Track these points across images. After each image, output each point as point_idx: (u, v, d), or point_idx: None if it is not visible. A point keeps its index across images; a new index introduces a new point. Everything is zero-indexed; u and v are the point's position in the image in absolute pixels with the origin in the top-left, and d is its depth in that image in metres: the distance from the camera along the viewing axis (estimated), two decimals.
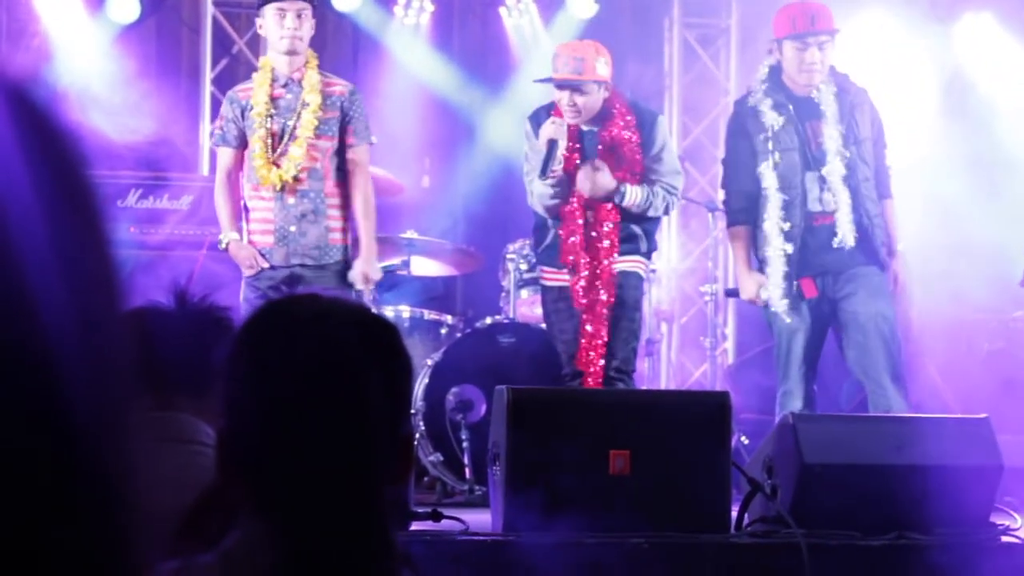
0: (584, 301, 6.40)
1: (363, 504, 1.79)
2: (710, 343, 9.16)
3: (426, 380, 7.04)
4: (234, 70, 9.80)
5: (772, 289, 6.59)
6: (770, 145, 6.60)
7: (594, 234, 6.43)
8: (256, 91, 6.55)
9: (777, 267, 6.58)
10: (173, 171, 8.56)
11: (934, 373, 8.42)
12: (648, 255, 6.65)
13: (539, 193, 6.46)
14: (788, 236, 6.57)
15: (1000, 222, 8.20)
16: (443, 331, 7.67)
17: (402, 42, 9.83)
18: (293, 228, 6.46)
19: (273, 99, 6.52)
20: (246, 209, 6.60)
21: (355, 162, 6.59)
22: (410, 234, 7.85)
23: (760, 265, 6.67)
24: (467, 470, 6.77)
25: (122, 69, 9.07)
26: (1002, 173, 8.77)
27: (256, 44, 9.68)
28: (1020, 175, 8.65)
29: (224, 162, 6.63)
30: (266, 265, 6.48)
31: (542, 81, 6.61)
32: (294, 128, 6.47)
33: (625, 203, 6.43)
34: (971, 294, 8.27)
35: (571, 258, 6.42)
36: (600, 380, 6.38)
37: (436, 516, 5.08)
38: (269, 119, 6.49)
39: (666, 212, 6.67)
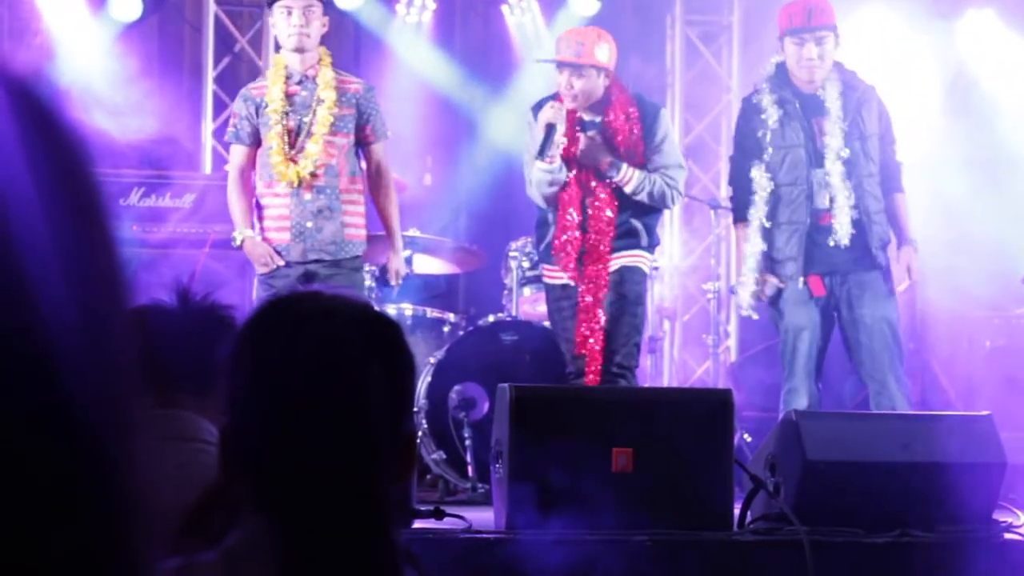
0: (585, 299, 6.40)
1: (366, 502, 1.79)
2: (712, 341, 9.15)
3: (428, 378, 7.04)
4: (236, 68, 9.80)
5: (768, 287, 6.61)
6: (768, 137, 6.62)
7: (591, 231, 6.40)
8: (271, 88, 6.55)
9: (750, 264, 6.63)
10: (175, 169, 8.57)
11: (937, 370, 8.43)
12: (650, 249, 6.61)
13: (537, 180, 6.45)
14: (788, 233, 6.59)
15: (1002, 219, 8.20)
16: (445, 329, 7.67)
17: (404, 40, 9.83)
18: (310, 224, 6.46)
19: (288, 96, 6.52)
20: (258, 207, 6.59)
21: (377, 159, 6.66)
22: (412, 232, 7.85)
23: (764, 261, 6.68)
24: (470, 468, 6.76)
25: (124, 67, 9.07)
26: (1004, 170, 8.76)
27: (258, 42, 9.69)
28: (1022, 172, 8.65)
29: (237, 159, 6.62)
30: (281, 263, 6.48)
31: (543, 61, 6.66)
32: (310, 125, 6.48)
33: (620, 179, 6.38)
34: (973, 291, 8.27)
35: (564, 254, 6.41)
36: (599, 378, 6.36)
37: (439, 514, 5.07)
38: (285, 116, 6.49)
39: (665, 204, 6.58)
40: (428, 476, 7.17)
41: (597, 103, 6.49)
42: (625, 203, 6.46)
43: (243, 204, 6.56)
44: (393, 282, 6.77)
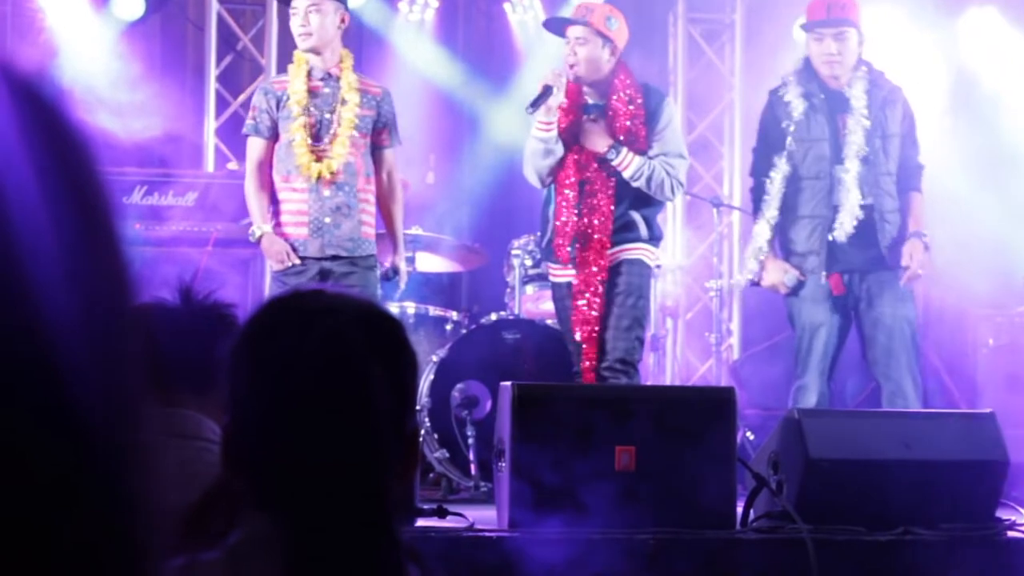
0: (578, 286, 6.35)
1: (369, 500, 1.79)
2: (715, 339, 9.15)
3: (431, 376, 7.04)
4: (239, 67, 9.81)
5: (787, 276, 6.63)
6: (792, 129, 6.64)
7: (587, 215, 6.35)
8: (292, 82, 6.55)
9: (756, 245, 6.68)
10: (178, 168, 8.57)
11: (939, 368, 8.42)
12: (651, 242, 6.53)
13: (531, 150, 6.42)
14: (808, 226, 6.61)
15: (1005, 217, 8.20)
16: (448, 327, 7.67)
17: (406, 38, 9.84)
18: (328, 220, 6.47)
19: (311, 91, 6.53)
20: (274, 200, 6.58)
21: (389, 165, 6.70)
22: (415, 230, 7.86)
23: (784, 253, 6.72)
24: (472, 466, 6.76)
25: (127, 66, 9.08)
26: (1007, 168, 8.76)
27: (261, 41, 9.69)
28: None
29: (255, 153, 6.60)
30: (297, 261, 6.48)
31: (553, 20, 6.67)
32: (333, 123, 6.48)
33: (619, 162, 6.34)
34: (976, 289, 8.27)
35: (560, 237, 6.37)
36: (594, 365, 6.32)
37: (441, 512, 5.08)
38: (307, 110, 6.49)
39: (664, 192, 6.47)
40: (431, 475, 7.18)
41: (602, 85, 6.46)
42: (623, 193, 6.40)
43: (261, 199, 6.55)
44: (401, 285, 6.84)
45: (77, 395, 0.76)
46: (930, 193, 6.94)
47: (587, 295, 6.34)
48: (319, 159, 6.45)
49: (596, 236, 6.35)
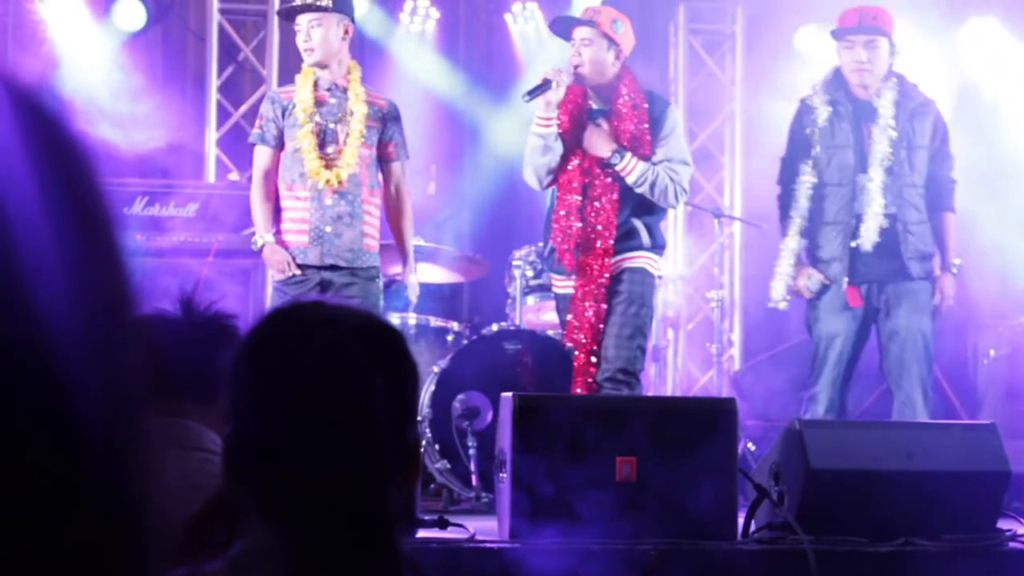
0: (583, 301, 6.33)
1: (370, 511, 1.79)
2: (716, 349, 9.16)
3: (432, 387, 7.03)
4: (240, 77, 9.81)
5: (811, 281, 6.65)
6: (817, 135, 6.66)
7: (590, 220, 6.32)
8: (299, 91, 6.56)
9: (786, 258, 6.66)
10: (179, 178, 8.58)
11: (941, 379, 8.42)
12: (654, 251, 6.47)
13: (530, 147, 6.39)
14: (830, 233, 6.63)
15: (1005, 227, 8.19)
16: (449, 338, 7.67)
17: (407, 49, 9.84)
18: (329, 228, 6.47)
19: (318, 101, 6.54)
20: (277, 209, 6.58)
21: (396, 178, 6.69)
22: (416, 241, 7.84)
23: (809, 260, 6.75)
24: (473, 477, 6.76)
25: (128, 77, 9.09)
26: (1007, 177, 8.76)
27: (262, 52, 9.70)
28: None
29: (261, 161, 6.60)
30: (298, 272, 6.48)
31: (555, 22, 6.64)
32: (336, 132, 6.49)
33: (622, 167, 6.29)
34: (977, 300, 8.27)
35: (563, 241, 6.34)
36: (586, 367, 6.29)
37: (442, 523, 5.07)
38: (314, 118, 6.50)
39: (667, 199, 6.42)
40: (432, 485, 7.17)
41: (606, 90, 6.45)
42: (626, 200, 6.36)
43: (266, 208, 6.55)
44: (413, 299, 6.86)
45: (78, 403, 0.76)
46: None
47: (587, 303, 6.31)
48: (328, 167, 6.45)
49: (599, 242, 6.31)
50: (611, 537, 4.75)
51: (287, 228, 6.53)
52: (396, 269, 7.82)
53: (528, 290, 7.66)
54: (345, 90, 6.55)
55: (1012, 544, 5.06)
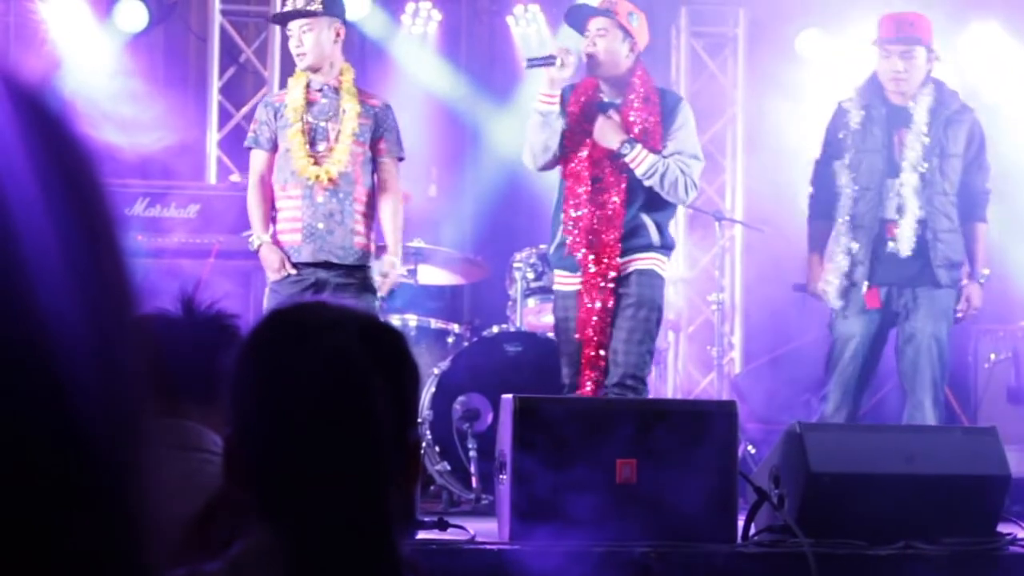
0: (590, 292, 6.26)
1: (370, 512, 1.79)
2: (717, 352, 9.15)
3: (433, 389, 7.04)
4: (241, 79, 9.82)
5: (829, 285, 6.66)
6: (849, 140, 6.68)
7: (598, 210, 6.28)
8: (291, 92, 6.61)
9: (840, 263, 6.66)
10: (180, 180, 8.58)
11: (945, 382, 8.41)
12: (664, 251, 6.39)
13: (531, 124, 6.35)
14: (856, 236, 6.64)
15: (1005, 230, 8.18)
16: (450, 340, 7.67)
17: (409, 51, 9.85)
18: (321, 225, 6.48)
19: (309, 102, 6.55)
20: (273, 210, 6.61)
21: (385, 175, 6.65)
22: (417, 243, 7.86)
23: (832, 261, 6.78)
24: (474, 479, 6.76)
25: (129, 78, 9.09)
26: (1008, 181, 8.75)
27: (264, 53, 9.70)
28: None
29: (257, 165, 6.64)
30: (293, 271, 6.49)
31: (571, 12, 6.59)
32: (327, 130, 6.50)
33: (632, 157, 6.23)
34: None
35: (574, 230, 6.29)
36: (594, 363, 6.24)
37: (442, 525, 5.08)
38: (304, 116, 6.51)
39: (677, 192, 6.31)
40: (432, 487, 7.17)
41: (619, 83, 6.42)
42: (635, 195, 6.29)
43: (262, 209, 6.58)
44: (381, 288, 6.62)
45: (79, 403, 0.76)
46: None
47: (595, 294, 6.23)
48: (318, 164, 6.47)
49: (607, 234, 6.23)
50: (610, 539, 4.76)
51: (281, 228, 6.55)
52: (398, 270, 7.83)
53: (529, 292, 7.65)
54: (337, 90, 6.57)
55: (1012, 548, 5.06)
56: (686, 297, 10.06)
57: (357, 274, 6.55)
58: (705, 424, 5.05)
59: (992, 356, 8.34)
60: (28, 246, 0.76)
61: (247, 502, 1.80)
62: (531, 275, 7.63)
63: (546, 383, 6.84)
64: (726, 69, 10.52)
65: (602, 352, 6.24)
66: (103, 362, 0.78)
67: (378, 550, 1.78)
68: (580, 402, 5.80)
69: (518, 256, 7.74)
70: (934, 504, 5.04)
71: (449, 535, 5.04)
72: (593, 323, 6.21)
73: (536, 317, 7.65)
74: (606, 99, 6.41)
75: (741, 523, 5.10)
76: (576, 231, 6.26)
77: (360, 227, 6.55)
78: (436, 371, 7.12)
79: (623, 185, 6.26)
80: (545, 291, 7.40)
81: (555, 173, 6.52)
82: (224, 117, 9.61)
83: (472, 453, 6.79)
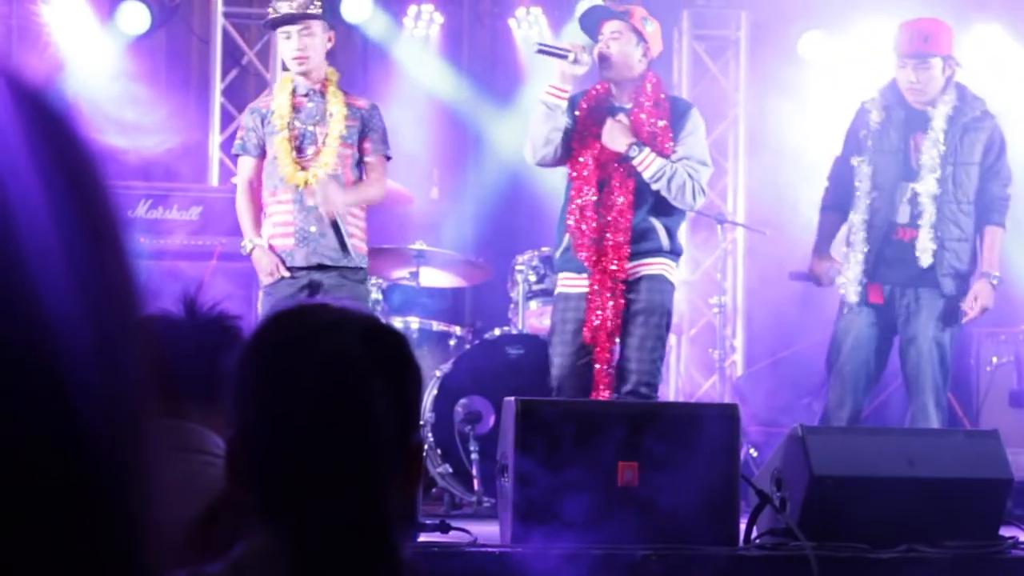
0: (599, 296, 6.21)
1: (371, 514, 1.79)
2: (719, 355, 9.15)
3: (435, 391, 7.04)
4: (244, 81, 9.82)
5: (849, 283, 6.66)
6: (869, 142, 6.69)
7: (606, 213, 6.24)
8: (277, 98, 6.62)
9: (858, 262, 6.65)
10: (182, 182, 8.58)
11: (948, 385, 8.41)
12: (673, 256, 6.36)
13: (534, 117, 6.32)
14: (866, 235, 6.66)
15: (1007, 234, 8.18)
16: (452, 342, 7.67)
17: (411, 53, 9.84)
18: (313, 228, 6.47)
19: (295, 107, 6.56)
20: (264, 216, 6.61)
21: (371, 171, 6.61)
22: (419, 245, 7.85)
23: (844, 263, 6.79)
24: (475, 481, 6.76)
25: (132, 80, 9.09)
26: (1010, 185, 8.74)
27: (266, 55, 9.70)
28: None
29: (244, 171, 6.66)
30: (287, 274, 6.49)
31: (586, 15, 6.56)
32: (319, 135, 6.50)
33: (640, 160, 6.19)
34: None
35: (580, 233, 6.23)
36: (608, 369, 6.19)
37: (444, 528, 5.08)
38: (291, 123, 6.52)
39: (684, 197, 6.26)
40: (434, 490, 7.17)
41: (630, 88, 6.39)
42: (643, 198, 6.25)
43: (251, 213, 6.59)
44: (315, 197, 6.45)
45: (80, 403, 0.76)
46: None
47: (605, 295, 6.18)
48: (305, 168, 6.47)
49: (615, 236, 6.19)
50: (612, 542, 4.75)
51: (273, 232, 6.55)
52: (398, 273, 7.84)
53: (531, 295, 7.65)
54: (323, 94, 6.57)
55: (1014, 552, 5.06)
56: (688, 300, 10.05)
57: (351, 276, 6.54)
58: (707, 427, 5.05)
59: (994, 359, 8.34)
60: (31, 246, 0.76)
61: (249, 504, 1.80)
62: (533, 277, 7.63)
63: (548, 386, 6.84)
64: (728, 72, 10.52)
65: (614, 356, 6.22)
66: (105, 363, 0.78)
67: (379, 552, 1.78)
68: (581, 405, 5.79)
69: (520, 259, 7.73)
70: (936, 507, 5.04)
71: (451, 537, 5.04)
72: (607, 328, 6.17)
73: (538, 319, 7.65)
74: (616, 103, 6.40)
75: (743, 526, 5.10)
76: (583, 233, 6.23)
77: (353, 230, 6.55)
78: (438, 373, 7.12)
79: (631, 188, 6.23)
80: (547, 294, 7.39)
81: (561, 177, 6.50)
82: (226, 119, 9.61)
83: (474, 455, 6.79)
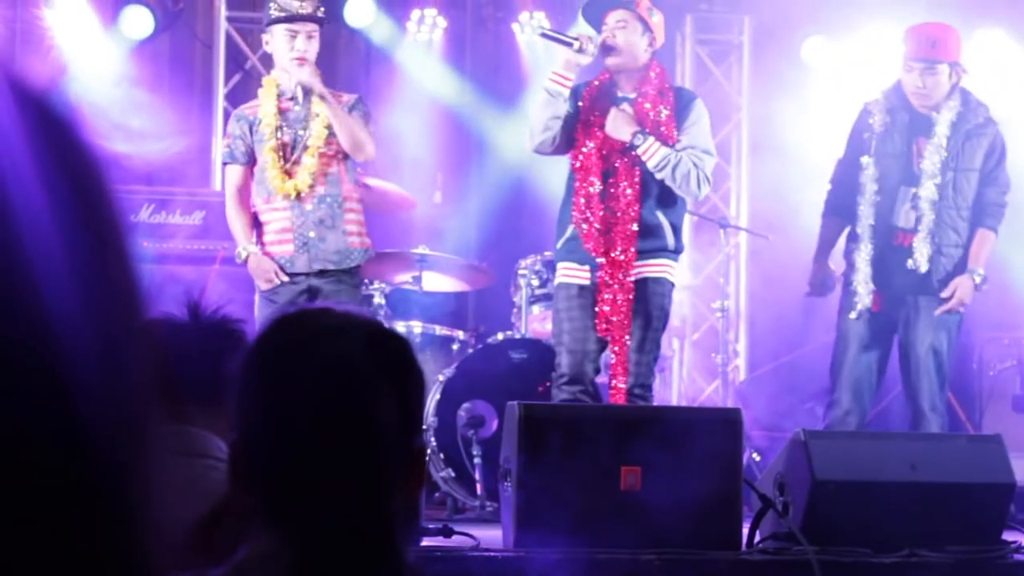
0: (608, 287, 6.19)
1: (374, 518, 1.79)
2: (721, 360, 9.15)
3: (437, 396, 7.04)
4: (247, 85, 9.81)
5: (859, 283, 6.65)
6: (873, 145, 6.69)
7: (611, 205, 6.21)
8: (263, 105, 6.58)
9: (866, 272, 6.66)
10: (185, 186, 8.58)
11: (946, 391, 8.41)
12: (675, 255, 6.34)
13: (536, 104, 6.31)
14: (865, 240, 6.67)
15: (1008, 240, 8.18)
16: (455, 347, 7.67)
17: (414, 58, 9.85)
18: (312, 234, 6.46)
19: (282, 112, 6.55)
20: (258, 223, 6.59)
21: None
22: (422, 249, 7.85)
23: (848, 267, 6.77)
24: (478, 486, 6.76)
25: (135, 84, 9.10)
26: (1012, 190, 8.74)
27: (269, 60, 9.68)
28: None
29: (233, 179, 6.63)
30: (285, 279, 6.48)
31: (590, 4, 6.51)
32: (306, 138, 6.49)
33: (644, 149, 6.16)
34: (981, 312, 8.26)
35: (585, 224, 6.17)
36: (624, 367, 6.17)
37: (447, 532, 5.08)
38: (279, 130, 6.51)
39: (689, 186, 6.23)
40: (436, 494, 7.17)
41: (634, 78, 6.36)
42: (648, 190, 6.22)
43: (243, 220, 6.56)
44: (304, 73, 6.48)
45: (82, 405, 0.76)
46: None
47: (614, 286, 6.14)
48: (292, 176, 6.46)
49: (622, 227, 6.15)
50: (615, 546, 4.75)
51: (270, 240, 6.52)
52: (401, 277, 7.84)
53: (533, 299, 7.65)
54: (307, 94, 6.52)
55: (1017, 556, 5.06)
56: (691, 304, 10.05)
57: (347, 279, 6.53)
58: (709, 431, 5.05)
59: (996, 364, 8.34)
60: (34, 250, 0.76)
61: (252, 507, 1.80)
62: (536, 282, 7.62)
63: (551, 390, 6.84)
64: (731, 76, 10.52)
65: (628, 341, 6.16)
66: (108, 365, 0.78)
67: (381, 555, 1.78)
68: (584, 409, 5.80)
69: (523, 263, 7.73)
70: (939, 512, 5.04)
71: (454, 542, 5.04)
72: (615, 324, 6.14)
73: (541, 324, 7.65)
74: (620, 93, 6.38)
75: (745, 531, 5.10)
76: (590, 224, 6.18)
77: (353, 227, 6.54)
78: (441, 378, 7.12)
79: (636, 178, 6.21)
80: (549, 298, 7.38)
81: (563, 173, 6.47)
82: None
83: (477, 460, 6.79)
